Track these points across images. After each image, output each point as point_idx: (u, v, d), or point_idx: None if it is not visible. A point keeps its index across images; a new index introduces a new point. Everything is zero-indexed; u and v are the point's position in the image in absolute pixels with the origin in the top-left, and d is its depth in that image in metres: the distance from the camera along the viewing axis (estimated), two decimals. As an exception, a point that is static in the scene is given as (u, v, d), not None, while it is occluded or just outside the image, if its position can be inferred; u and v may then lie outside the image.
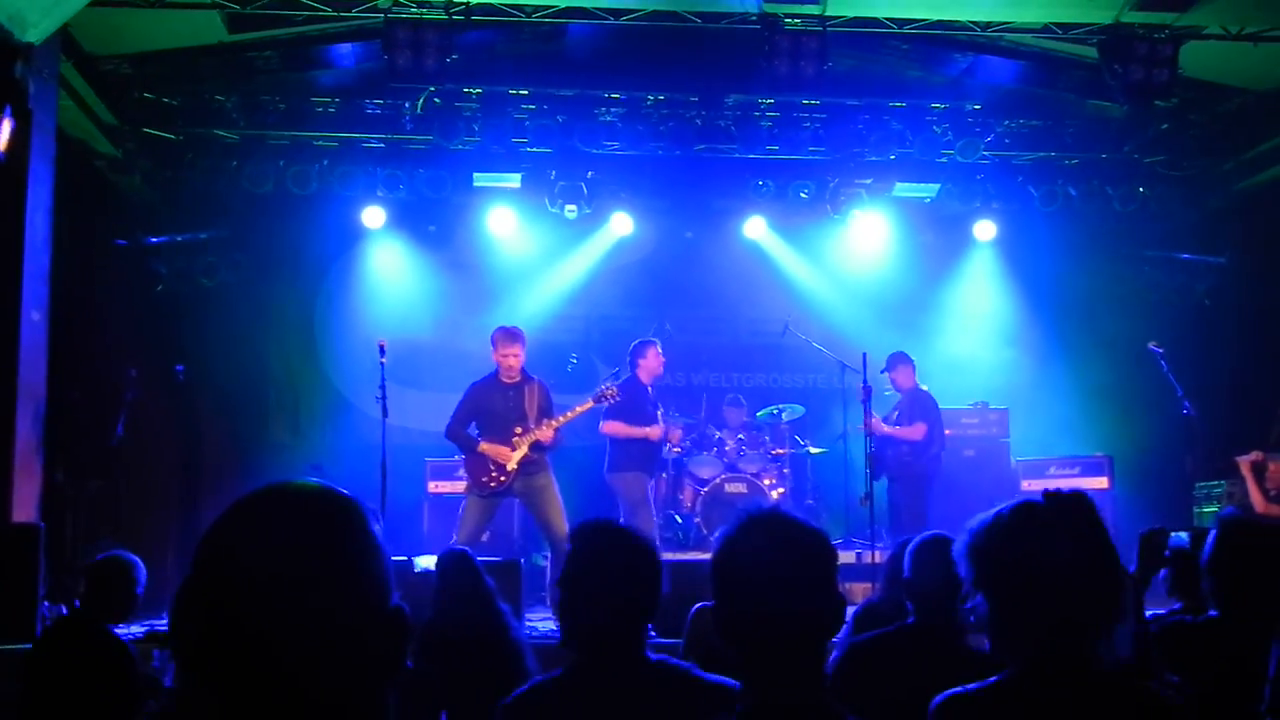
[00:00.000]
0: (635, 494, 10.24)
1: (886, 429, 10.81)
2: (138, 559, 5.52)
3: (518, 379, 9.56)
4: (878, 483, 10.79)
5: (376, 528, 1.56)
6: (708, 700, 2.96)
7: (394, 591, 1.55)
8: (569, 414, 9.63)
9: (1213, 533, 4.10)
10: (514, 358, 9.48)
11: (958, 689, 2.49)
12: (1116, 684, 2.42)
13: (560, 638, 3.17)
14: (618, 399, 9.91)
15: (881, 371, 11.01)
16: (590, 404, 9.75)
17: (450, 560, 5.82)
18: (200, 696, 1.47)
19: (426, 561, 8.41)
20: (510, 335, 9.56)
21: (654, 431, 10.33)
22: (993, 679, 2.46)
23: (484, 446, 9.34)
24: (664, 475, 12.41)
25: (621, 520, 10.14)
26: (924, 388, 11.25)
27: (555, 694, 3.02)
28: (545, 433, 9.37)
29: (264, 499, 1.54)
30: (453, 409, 9.68)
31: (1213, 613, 4.07)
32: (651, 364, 10.49)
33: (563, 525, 9.20)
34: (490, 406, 9.49)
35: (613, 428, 10.32)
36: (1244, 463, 9.75)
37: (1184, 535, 4.73)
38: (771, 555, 2.29)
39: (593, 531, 3.21)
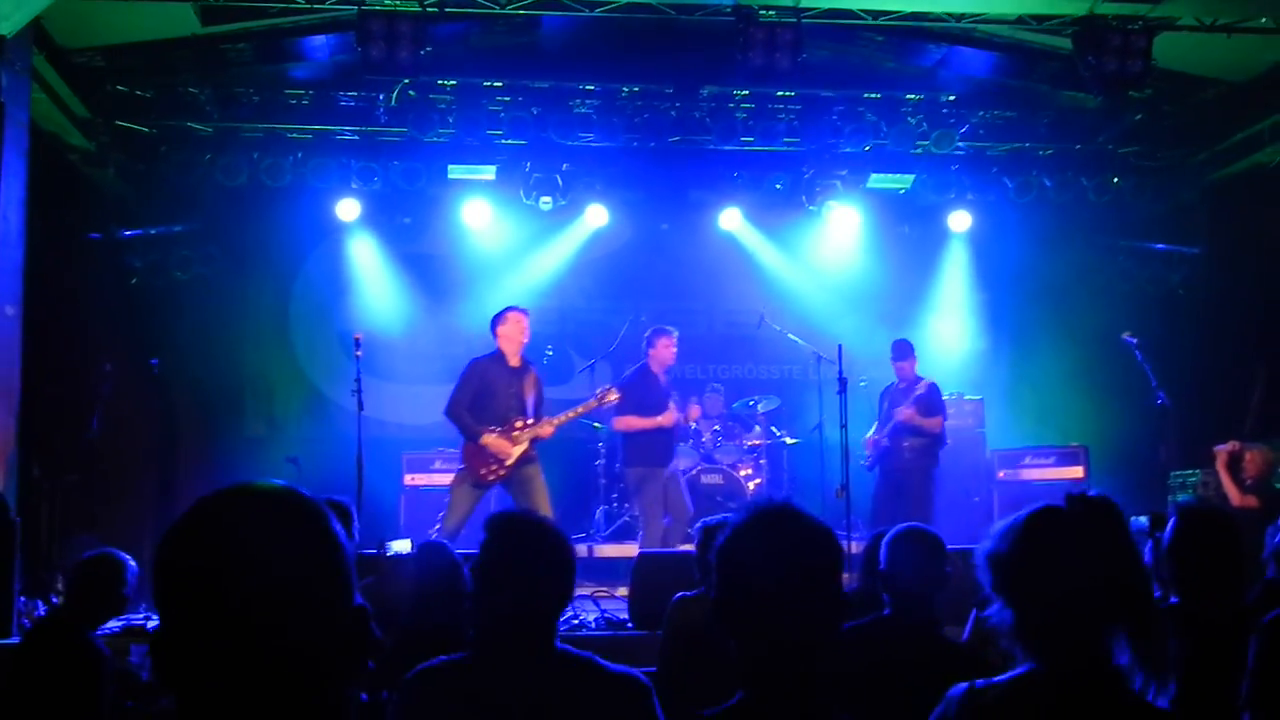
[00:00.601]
0: (648, 491, 10.26)
1: (921, 420, 10.68)
2: (128, 557, 5.47)
3: (520, 362, 9.59)
4: (871, 473, 10.96)
5: (339, 526, 1.56)
6: (613, 690, 3.00)
7: (356, 591, 1.56)
8: (570, 413, 9.74)
9: (1172, 520, 4.14)
10: (521, 325, 9.55)
11: (979, 682, 2.46)
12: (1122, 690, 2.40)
13: (470, 625, 3.17)
14: (618, 400, 9.93)
15: (897, 360, 10.99)
16: (593, 404, 9.80)
17: (428, 554, 5.79)
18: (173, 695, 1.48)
19: (400, 545, 8.44)
20: (516, 308, 9.69)
21: (666, 419, 10.30)
22: (1013, 674, 2.44)
23: (487, 439, 9.28)
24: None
25: (636, 511, 10.30)
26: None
27: (458, 673, 3.03)
28: (546, 430, 9.44)
29: (222, 502, 1.54)
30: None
31: (1173, 599, 4.11)
32: (662, 353, 10.47)
33: (549, 512, 9.21)
34: (493, 388, 9.46)
35: (626, 423, 10.38)
36: (1220, 454, 9.80)
37: (1143, 519, 4.77)
38: (780, 549, 2.27)
39: (508, 521, 3.23)
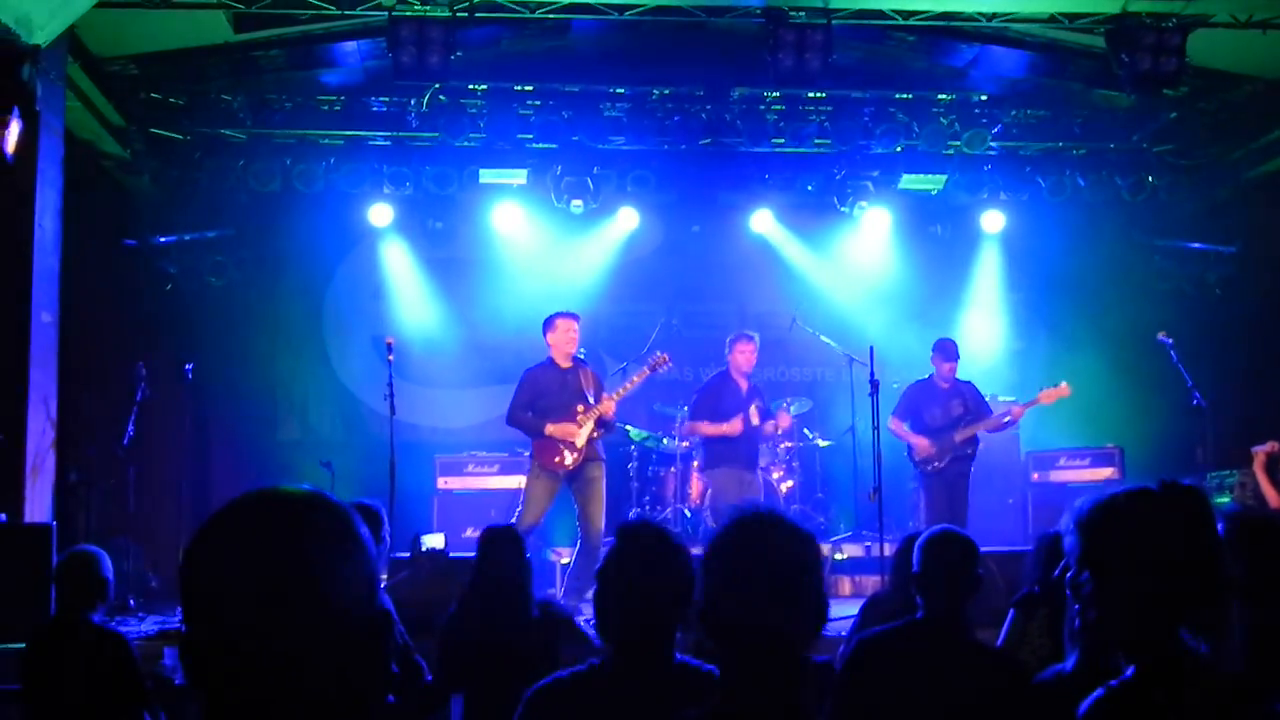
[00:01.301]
0: (729, 490, 10.19)
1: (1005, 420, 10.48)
2: (101, 550, 5.58)
3: (571, 364, 9.71)
4: (919, 477, 10.63)
5: (364, 530, 1.56)
6: None
7: (379, 596, 1.56)
8: (628, 385, 9.83)
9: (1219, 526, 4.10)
10: (570, 332, 9.67)
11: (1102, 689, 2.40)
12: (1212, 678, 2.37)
13: (596, 630, 3.18)
14: (669, 365, 10.06)
15: (949, 360, 10.48)
16: (646, 372, 9.89)
17: (494, 535, 5.66)
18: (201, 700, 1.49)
19: (433, 540, 8.48)
20: (565, 313, 9.79)
21: (732, 428, 10.15)
22: (1121, 679, 2.40)
23: (551, 428, 9.42)
24: (673, 470, 12.43)
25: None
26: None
27: (581, 688, 3.03)
28: (608, 406, 9.56)
29: (248, 505, 1.55)
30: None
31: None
32: (738, 358, 10.43)
33: (600, 521, 9.40)
34: (549, 390, 9.60)
35: (693, 428, 10.44)
36: (1258, 454, 9.69)
37: None
38: (757, 555, 2.30)
39: (636, 530, 3.23)
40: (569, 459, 9.43)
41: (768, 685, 2.28)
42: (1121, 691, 2.36)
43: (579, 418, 9.46)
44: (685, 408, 11.18)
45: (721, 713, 2.31)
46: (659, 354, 9.95)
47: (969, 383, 10.62)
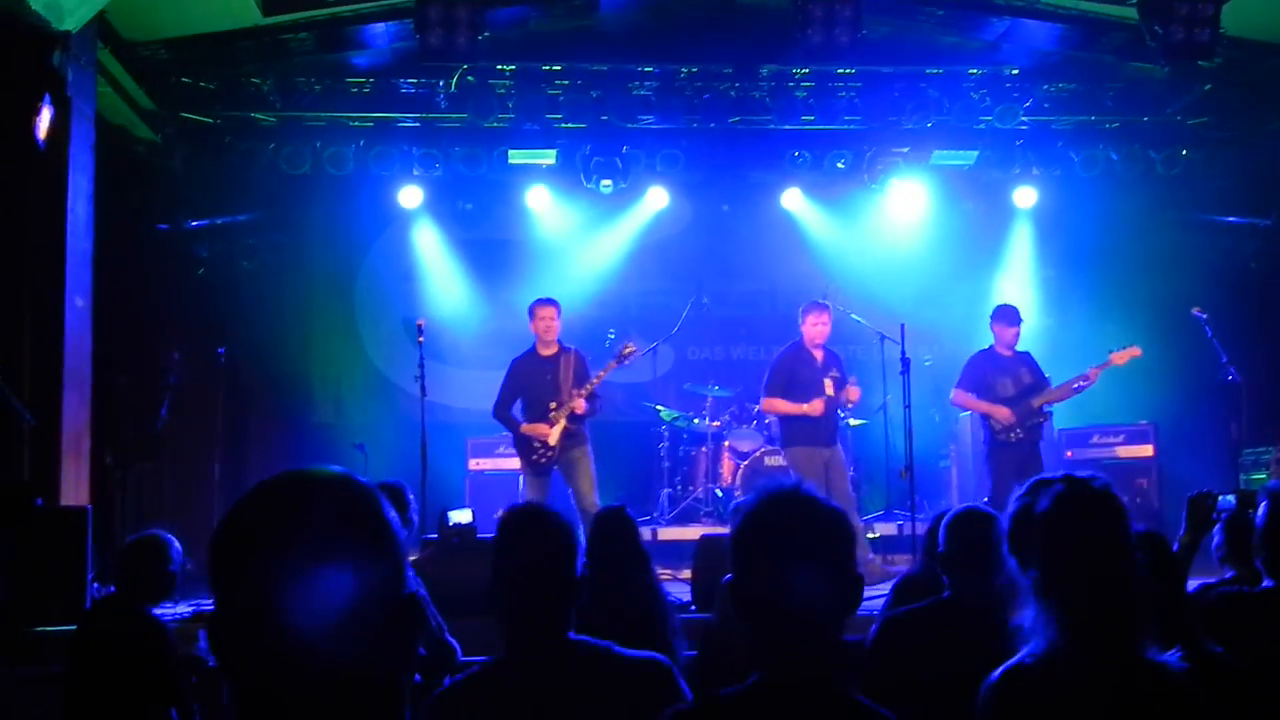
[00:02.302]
0: (811, 472, 9.66)
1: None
2: (171, 537, 5.55)
3: (554, 350, 9.70)
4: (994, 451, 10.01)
5: (393, 513, 1.57)
6: (634, 675, 2.99)
7: (407, 578, 1.56)
8: (594, 381, 9.68)
9: (1264, 504, 4.08)
10: (549, 320, 9.62)
11: (1010, 663, 2.52)
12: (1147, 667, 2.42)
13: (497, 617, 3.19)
14: (637, 354, 9.93)
15: (1012, 325, 10.00)
16: (613, 365, 9.76)
17: (608, 519, 5.37)
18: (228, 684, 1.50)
19: (460, 516, 8.50)
20: (545, 301, 9.76)
21: (814, 408, 9.68)
22: (1031, 650, 2.48)
23: (524, 428, 9.52)
24: (704, 449, 12.44)
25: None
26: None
27: (480, 682, 3.02)
28: (578, 404, 9.50)
29: (276, 487, 1.55)
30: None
31: (1268, 583, 4.05)
32: (809, 330, 9.98)
33: (592, 498, 9.40)
34: (529, 382, 9.65)
35: (770, 405, 10.10)
36: None
37: (1231, 498, 4.69)
38: (788, 532, 2.31)
39: (516, 516, 3.23)
40: (546, 456, 9.49)
41: (800, 662, 2.30)
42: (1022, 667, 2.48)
43: (551, 415, 9.48)
44: (709, 387, 11.04)
45: (755, 689, 2.31)
46: (626, 344, 9.82)
47: (1026, 351, 10.20)
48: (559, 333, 9.72)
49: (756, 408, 12.46)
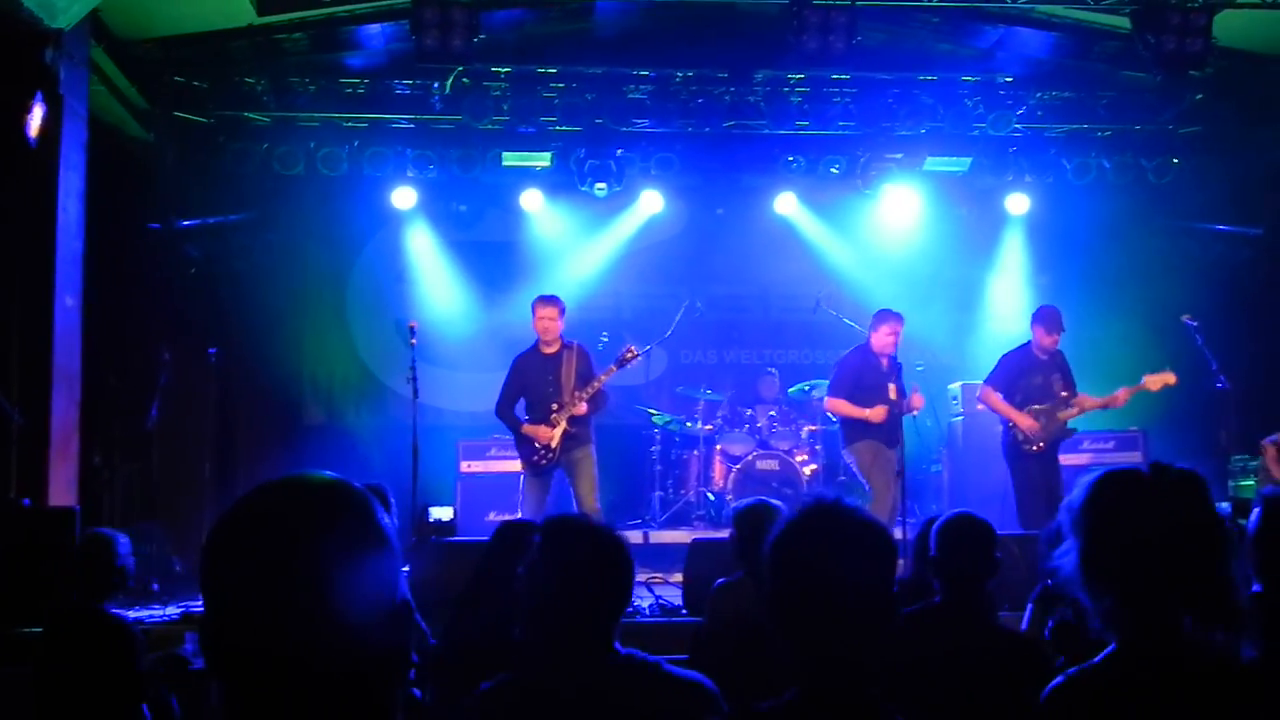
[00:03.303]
0: (875, 462, 9.72)
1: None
2: (118, 534, 5.58)
3: (556, 347, 9.61)
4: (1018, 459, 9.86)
5: (386, 520, 1.56)
6: (678, 696, 2.93)
7: (400, 586, 1.56)
8: (594, 384, 9.60)
9: (1257, 509, 4.09)
10: (548, 320, 9.53)
11: (1071, 671, 2.40)
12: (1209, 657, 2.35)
13: (524, 632, 3.11)
14: (639, 358, 9.89)
15: (1054, 333, 9.83)
16: (614, 369, 9.69)
17: (509, 532, 5.46)
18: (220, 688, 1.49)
19: (441, 513, 8.47)
20: (545, 299, 9.66)
21: (875, 414, 9.58)
22: (1099, 659, 2.41)
23: (525, 429, 9.44)
24: (696, 453, 12.44)
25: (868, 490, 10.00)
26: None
27: (527, 688, 2.96)
28: (579, 407, 9.43)
29: (270, 493, 1.55)
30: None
31: (1256, 587, 4.06)
32: (881, 338, 9.83)
33: (593, 501, 9.37)
34: (531, 380, 9.58)
35: (835, 405, 9.99)
36: (1268, 448, 9.61)
37: (1226, 505, 4.70)
38: (835, 547, 2.28)
39: (561, 526, 3.15)
40: (546, 458, 9.42)
41: (840, 677, 2.28)
42: (1097, 670, 2.35)
43: (552, 417, 9.42)
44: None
45: (794, 703, 2.30)
46: (629, 348, 9.77)
47: (1060, 352, 9.99)
48: (560, 331, 9.64)
49: (748, 412, 12.50)
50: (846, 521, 2.31)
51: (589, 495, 9.41)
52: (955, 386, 12.41)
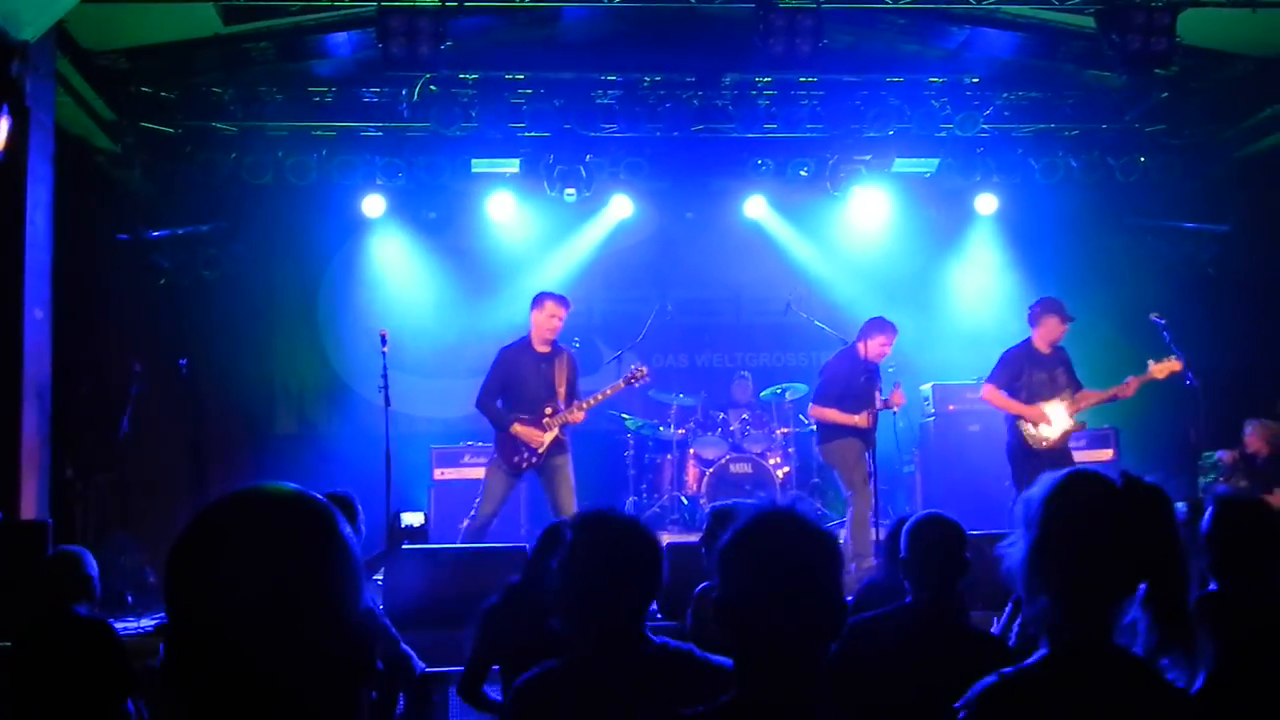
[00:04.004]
0: (847, 458, 9.74)
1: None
2: (84, 550, 5.62)
3: (549, 348, 9.49)
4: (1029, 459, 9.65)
5: (348, 530, 1.57)
6: (710, 681, 2.95)
7: (363, 596, 1.56)
8: (598, 396, 9.61)
9: (1210, 510, 4.14)
10: (559, 320, 9.40)
11: (1006, 671, 2.42)
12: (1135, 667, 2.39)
13: (560, 624, 3.17)
14: (648, 380, 9.86)
15: (1064, 324, 9.69)
16: (621, 385, 9.71)
17: (550, 535, 5.46)
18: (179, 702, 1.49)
19: (412, 518, 8.43)
20: (561, 299, 9.49)
21: (861, 420, 9.64)
22: (1031, 661, 2.43)
23: (517, 428, 9.24)
24: (669, 457, 12.46)
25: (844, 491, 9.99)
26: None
27: (565, 677, 3.04)
28: (577, 415, 9.34)
29: (229, 506, 1.55)
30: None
31: (1213, 586, 4.10)
32: (874, 348, 9.85)
33: (572, 507, 9.20)
34: (522, 376, 9.40)
35: (818, 413, 10.02)
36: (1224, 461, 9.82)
37: (1182, 505, 4.73)
38: (781, 554, 2.28)
39: (595, 520, 3.21)
40: (529, 462, 9.29)
41: (782, 684, 2.27)
42: (1027, 672, 2.38)
43: (545, 421, 9.26)
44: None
45: (737, 707, 2.30)
46: (638, 367, 9.75)
47: (1063, 348, 9.88)
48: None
49: (721, 416, 12.52)
50: (795, 528, 2.30)
51: (569, 501, 9.25)
52: (926, 387, 12.45)
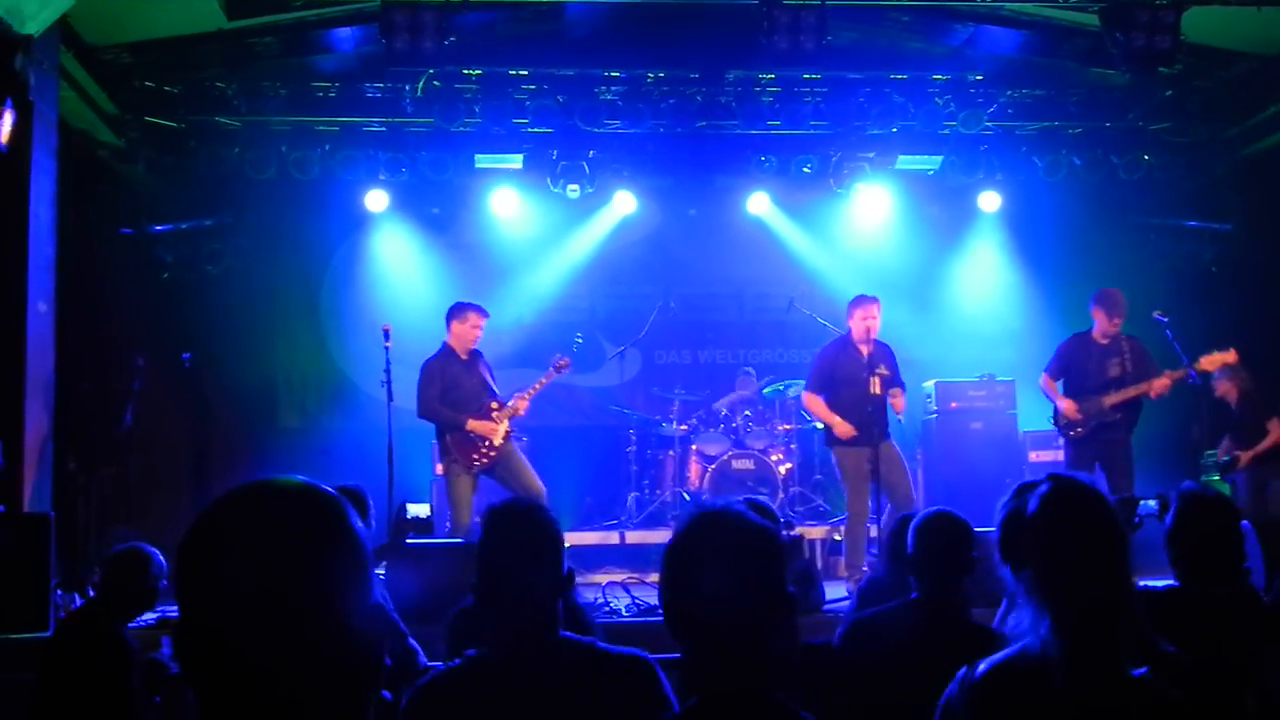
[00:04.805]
0: (853, 470, 9.62)
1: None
2: (155, 551, 5.48)
3: (468, 356, 9.67)
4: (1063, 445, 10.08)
5: (358, 523, 1.57)
6: (618, 672, 3.02)
7: (373, 591, 1.57)
8: (535, 387, 9.76)
9: (1174, 506, 4.18)
10: (479, 331, 9.64)
11: (980, 662, 2.53)
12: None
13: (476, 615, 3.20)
14: (569, 368, 10.00)
15: (1115, 315, 9.84)
16: (553, 374, 9.88)
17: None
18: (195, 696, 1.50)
19: (418, 510, 8.46)
20: (483, 310, 9.73)
21: (844, 430, 9.51)
22: (1008, 652, 2.48)
23: (471, 424, 9.36)
24: (671, 453, 12.46)
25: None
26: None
27: (465, 676, 3.04)
28: (521, 405, 9.55)
29: (240, 499, 1.55)
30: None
31: (1175, 583, 4.13)
32: (856, 324, 9.70)
33: (538, 482, 9.41)
34: (457, 381, 9.54)
35: (808, 401, 10.00)
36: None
37: (1153, 503, 4.77)
38: (717, 553, 2.31)
39: (501, 512, 3.24)
40: (488, 456, 9.41)
41: (730, 679, 2.30)
42: (1012, 663, 2.45)
43: (494, 415, 9.46)
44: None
45: (695, 711, 2.33)
46: (560, 357, 9.95)
47: (1134, 338, 9.97)
48: None
49: (724, 412, 12.51)
50: (726, 528, 2.34)
51: (533, 478, 9.42)
52: (929, 385, 12.44)
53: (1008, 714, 2.49)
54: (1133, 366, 9.76)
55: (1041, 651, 2.43)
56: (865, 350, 9.72)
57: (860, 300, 9.81)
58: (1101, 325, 9.85)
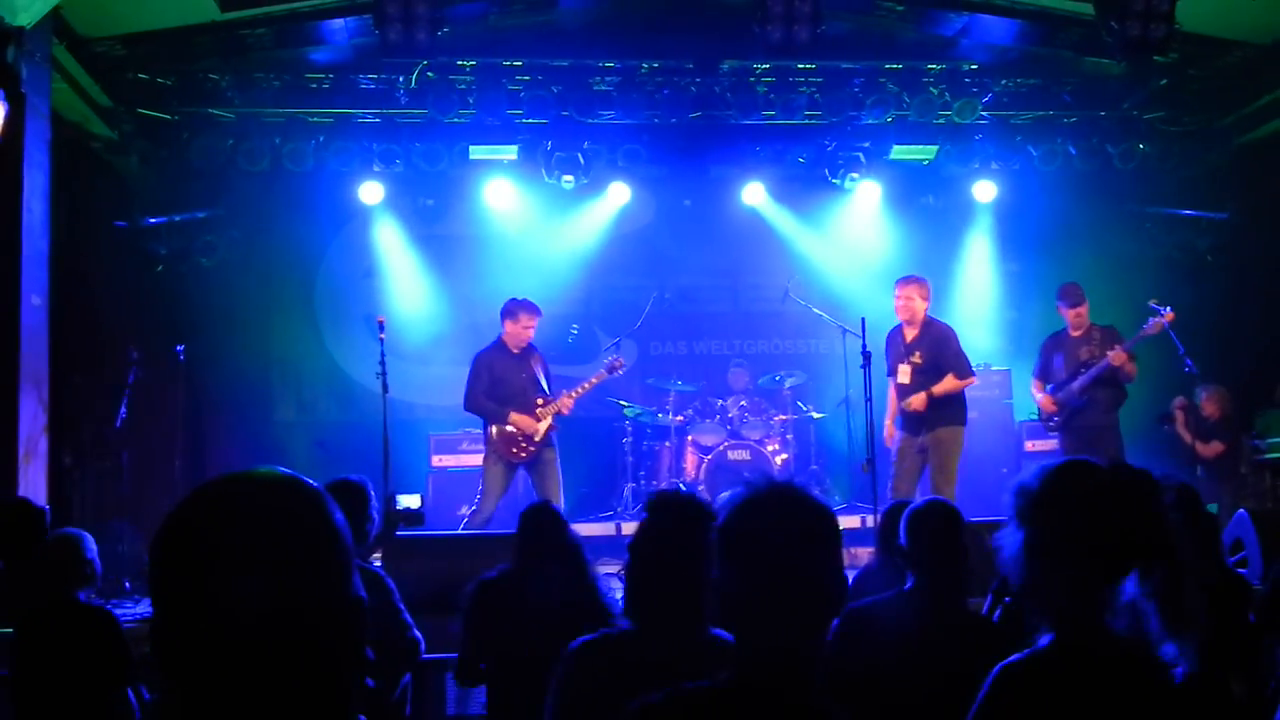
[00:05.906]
0: (900, 457, 9.57)
1: (1131, 365, 9.93)
2: (85, 533, 5.54)
3: (521, 350, 9.86)
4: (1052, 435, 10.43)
5: (338, 514, 1.55)
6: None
7: (354, 581, 1.55)
8: (584, 386, 9.95)
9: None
10: (531, 330, 9.85)
11: (1013, 658, 2.45)
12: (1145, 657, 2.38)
13: (624, 602, 3.26)
14: (624, 368, 10.03)
15: (1073, 306, 10.25)
16: (604, 375, 10.00)
17: (533, 514, 5.32)
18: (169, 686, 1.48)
19: (409, 500, 8.49)
20: (534, 309, 9.90)
21: (887, 434, 9.61)
22: (1036, 648, 2.43)
23: (515, 418, 9.59)
24: (667, 444, 12.46)
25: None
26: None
27: (616, 646, 3.09)
28: (566, 403, 9.72)
29: (216, 490, 1.54)
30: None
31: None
32: (898, 307, 9.67)
33: (561, 501, 9.46)
34: (505, 375, 9.75)
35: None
36: (1177, 413, 10.68)
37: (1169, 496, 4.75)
38: (782, 528, 2.19)
39: (666, 503, 3.29)
40: (527, 450, 9.60)
41: (779, 667, 2.19)
42: (1039, 658, 2.38)
43: (538, 411, 9.65)
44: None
45: (735, 687, 2.23)
46: (616, 358, 10.07)
47: (1108, 327, 10.17)
48: None
49: (719, 402, 12.51)
50: (793, 501, 2.23)
51: (557, 494, 9.53)
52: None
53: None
54: (1100, 350, 9.98)
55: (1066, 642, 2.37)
56: (910, 334, 9.73)
57: (901, 281, 9.82)
58: (1068, 318, 10.21)
